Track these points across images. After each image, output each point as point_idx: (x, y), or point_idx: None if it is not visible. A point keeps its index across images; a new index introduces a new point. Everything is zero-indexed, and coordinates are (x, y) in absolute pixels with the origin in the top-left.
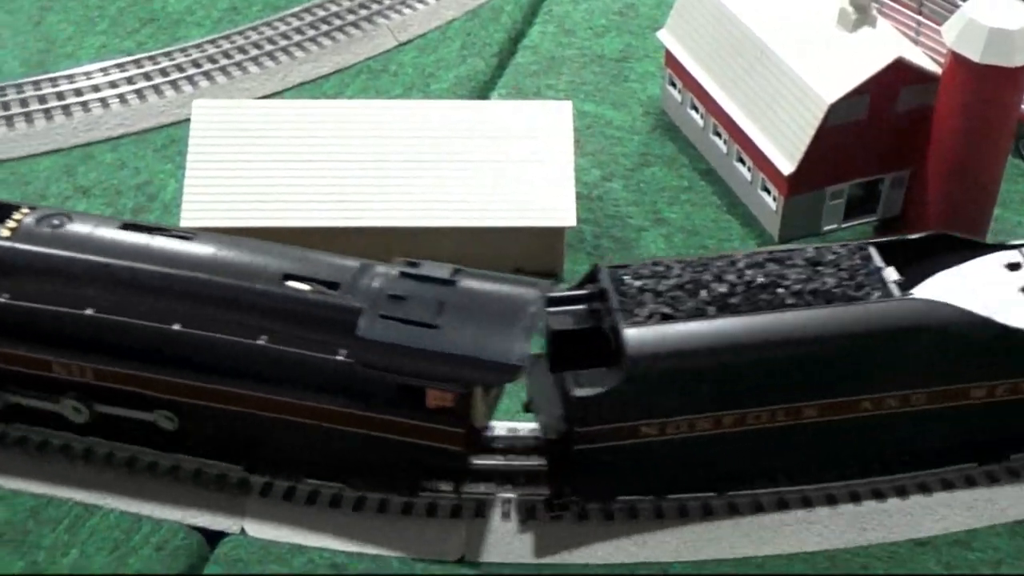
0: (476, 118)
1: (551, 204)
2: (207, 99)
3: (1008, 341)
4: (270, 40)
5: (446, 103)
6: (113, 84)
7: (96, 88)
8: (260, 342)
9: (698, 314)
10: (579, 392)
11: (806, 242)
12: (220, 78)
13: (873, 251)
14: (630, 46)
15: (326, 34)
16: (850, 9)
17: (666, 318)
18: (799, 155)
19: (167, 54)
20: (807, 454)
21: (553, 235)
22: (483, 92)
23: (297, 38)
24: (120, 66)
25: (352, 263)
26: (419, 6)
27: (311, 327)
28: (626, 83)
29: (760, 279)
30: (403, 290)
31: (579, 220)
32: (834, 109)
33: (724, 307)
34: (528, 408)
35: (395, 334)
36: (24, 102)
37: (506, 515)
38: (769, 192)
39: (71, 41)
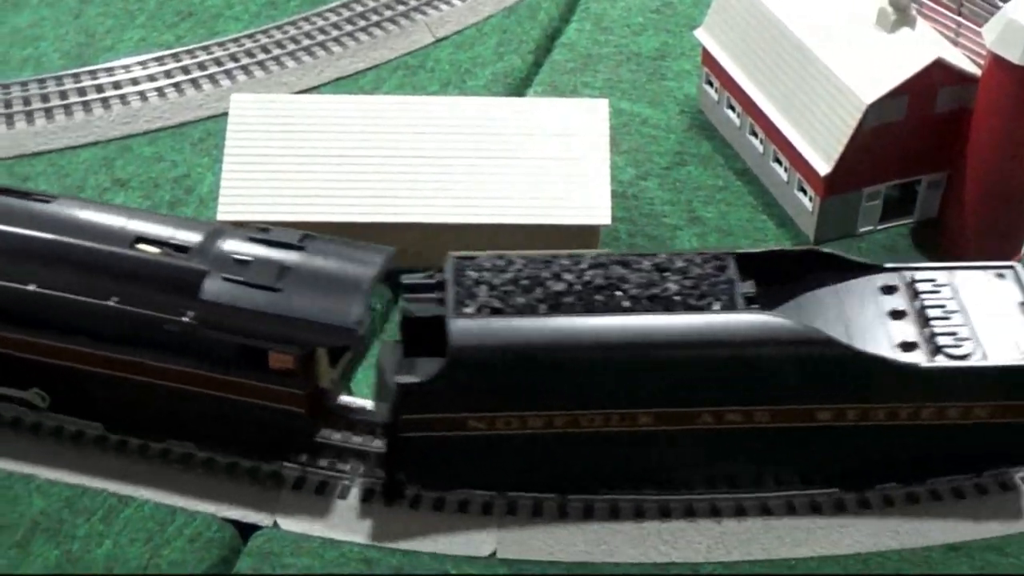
0: (512, 115)
1: (586, 202)
2: (245, 93)
3: (858, 365)
4: (307, 35)
5: (482, 100)
6: (151, 77)
7: (135, 81)
8: (111, 303)
9: (528, 310)
10: (402, 379)
11: (841, 244)
12: (257, 72)
13: (731, 262)
14: (667, 44)
15: (363, 29)
16: (889, 9)
17: (495, 312)
18: (836, 155)
19: (205, 48)
20: (649, 464)
21: (588, 233)
22: (519, 89)
23: (334, 33)
24: (159, 60)
25: (205, 227)
26: (456, 2)
27: (158, 289)
28: (662, 81)
29: (599, 280)
30: (249, 254)
31: (614, 218)
32: (872, 109)
33: (556, 306)
34: (378, 393)
35: (237, 296)
36: (63, 95)
37: (537, 512)
38: (805, 192)
39: (110, 34)
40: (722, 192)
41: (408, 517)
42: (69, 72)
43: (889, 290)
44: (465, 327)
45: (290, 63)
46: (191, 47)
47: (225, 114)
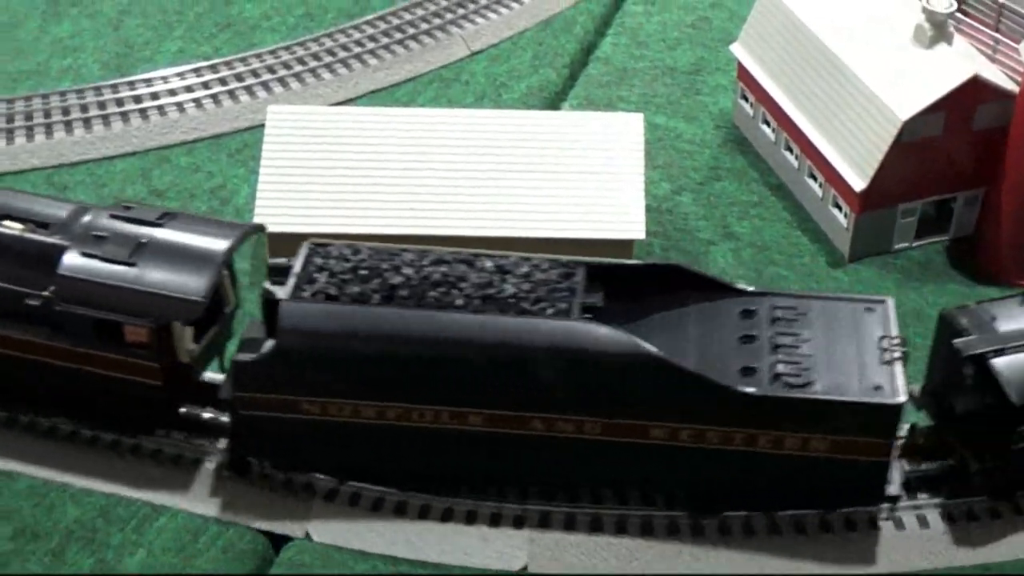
0: (547, 129)
1: (621, 216)
2: (281, 105)
3: (685, 384)
4: (344, 47)
5: (517, 113)
6: (189, 88)
7: (172, 92)
8: None
9: (360, 299)
10: (239, 356)
11: (876, 261)
12: (294, 84)
13: (581, 272)
14: (702, 59)
15: (399, 42)
16: (927, 25)
17: (329, 298)
18: (872, 171)
19: (243, 59)
20: (487, 466)
21: (622, 247)
22: (554, 103)
23: (371, 45)
24: (196, 71)
25: (71, 205)
26: (492, 16)
27: (20, 265)
28: (698, 96)
29: (437, 277)
30: (108, 230)
31: (648, 233)
32: (909, 125)
33: (390, 298)
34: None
35: (92, 271)
36: (102, 105)
37: (570, 525)
38: (840, 208)
39: (149, 45)
40: (756, 207)
41: (440, 530)
42: (108, 83)
43: (749, 314)
44: (295, 311)
45: (326, 75)
46: (229, 59)
47: (261, 125)
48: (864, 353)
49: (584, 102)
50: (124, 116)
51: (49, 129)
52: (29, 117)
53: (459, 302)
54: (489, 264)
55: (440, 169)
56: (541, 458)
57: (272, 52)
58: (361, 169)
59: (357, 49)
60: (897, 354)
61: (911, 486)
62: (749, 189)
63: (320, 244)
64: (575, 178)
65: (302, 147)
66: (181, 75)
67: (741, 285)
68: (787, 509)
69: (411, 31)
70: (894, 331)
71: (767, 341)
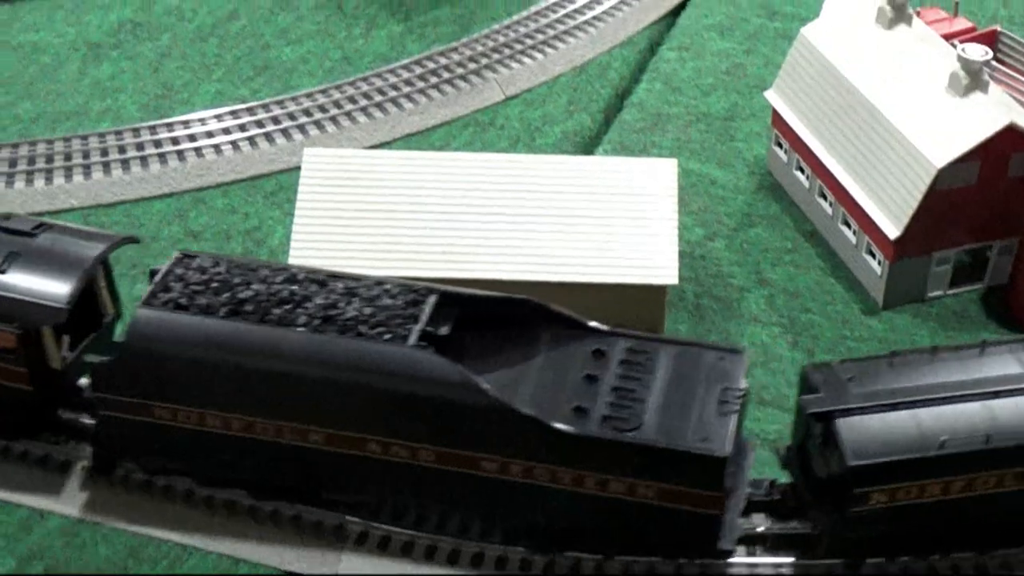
0: (581, 173)
1: (653, 262)
2: (318, 147)
3: (509, 419)
4: (380, 91)
5: (551, 158)
6: (226, 131)
7: (210, 134)
8: None
9: (207, 311)
10: (93, 358)
11: (910, 308)
12: (330, 127)
13: (431, 300)
14: (737, 105)
15: (435, 87)
16: (962, 73)
17: (179, 308)
18: (906, 219)
19: (279, 102)
20: (329, 482)
21: (655, 293)
22: (588, 148)
23: (406, 89)
24: (234, 113)
25: None
26: (527, 61)
27: None
28: (732, 142)
29: (285, 294)
30: None
31: (681, 279)
32: (943, 173)
33: (235, 311)
34: None
35: None
36: (140, 146)
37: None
38: (874, 256)
39: (187, 88)
40: (790, 254)
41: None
42: (146, 124)
43: (599, 355)
44: (143, 317)
45: (362, 119)
46: (266, 101)
47: (297, 167)
48: (705, 402)
49: (618, 147)
50: (161, 157)
51: (87, 170)
52: (68, 158)
53: (300, 321)
54: (340, 286)
55: (474, 213)
56: (379, 480)
57: (308, 95)
58: (396, 212)
59: (393, 93)
60: (734, 406)
61: (768, 542)
62: (783, 235)
63: (189, 255)
64: (608, 223)
65: (337, 190)
66: (218, 117)
67: (595, 325)
68: (618, 555)
69: (447, 75)
70: (741, 383)
71: (608, 383)
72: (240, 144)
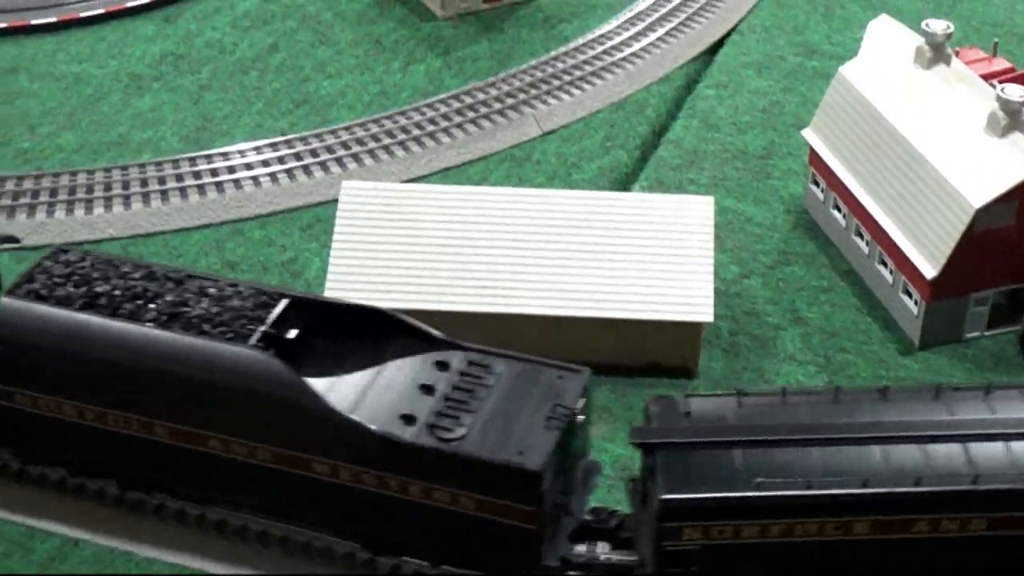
0: (617, 210)
1: (689, 299)
2: (355, 181)
3: (332, 423)
4: (417, 125)
5: (588, 194)
6: (265, 163)
7: (249, 166)
8: None
9: (63, 303)
10: None
11: (947, 350)
12: (367, 160)
13: (282, 304)
14: (774, 143)
15: (472, 121)
16: (1001, 114)
17: (39, 298)
18: (943, 259)
19: (318, 135)
20: (180, 476)
21: (690, 330)
22: (625, 184)
23: (444, 124)
24: (272, 145)
25: None
26: (565, 97)
27: None
28: (768, 180)
29: (139, 290)
30: None
31: (716, 316)
32: (981, 214)
33: (88, 304)
34: None
35: None
36: (180, 177)
37: None
38: (911, 296)
39: (227, 120)
40: (826, 293)
41: None
42: (186, 156)
43: (442, 366)
44: (4, 307)
45: (399, 152)
46: (304, 134)
47: (335, 200)
48: (533, 418)
49: (655, 184)
50: (200, 189)
51: (127, 200)
52: (108, 188)
53: (149, 316)
54: (194, 285)
55: (510, 248)
56: (224, 477)
57: (347, 128)
58: (432, 246)
59: (430, 127)
60: (559, 423)
61: (597, 570)
62: (819, 274)
63: (63, 250)
64: (644, 259)
65: (374, 223)
66: (257, 149)
67: (443, 337)
68: (447, 564)
69: (484, 110)
70: (572, 401)
71: (442, 393)
72: (278, 176)
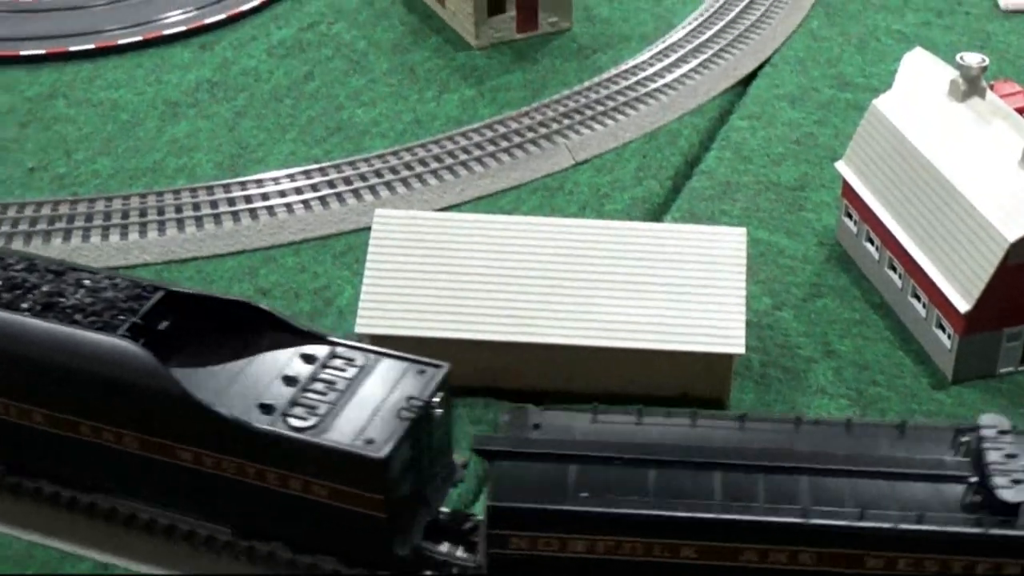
0: (649, 240)
1: (720, 330)
2: (387, 209)
3: (196, 411)
4: (450, 154)
5: (620, 224)
6: (299, 190)
7: (282, 193)
8: None
9: None
10: None
11: (980, 384)
12: (400, 189)
13: (157, 297)
14: (807, 175)
15: (505, 150)
16: None
17: None
18: (976, 293)
19: (351, 163)
20: (58, 462)
21: (721, 362)
22: (657, 215)
23: (477, 153)
24: (306, 173)
25: None
26: (598, 127)
27: None
28: (801, 212)
29: (18, 280)
30: None
31: (748, 348)
32: (1016, 247)
33: None
34: None
35: None
36: (214, 204)
37: None
38: (944, 329)
39: (262, 147)
40: (858, 326)
41: None
42: (221, 183)
43: (308, 359)
44: None
45: (432, 181)
46: (338, 162)
47: (367, 228)
48: (389, 410)
49: (687, 215)
50: (234, 215)
51: (162, 226)
52: (143, 214)
53: (24, 306)
54: (73, 277)
55: (542, 277)
56: (96, 462)
57: (380, 156)
58: (464, 274)
59: (463, 156)
60: (410, 414)
61: (444, 569)
62: (851, 307)
63: None
64: (676, 290)
65: (407, 251)
66: (291, 177)
67: (314, 330)
68: (308, 551)
69: (517, 140)
70: (429, 394)
71: (302, 384)
72: (312, 204)
